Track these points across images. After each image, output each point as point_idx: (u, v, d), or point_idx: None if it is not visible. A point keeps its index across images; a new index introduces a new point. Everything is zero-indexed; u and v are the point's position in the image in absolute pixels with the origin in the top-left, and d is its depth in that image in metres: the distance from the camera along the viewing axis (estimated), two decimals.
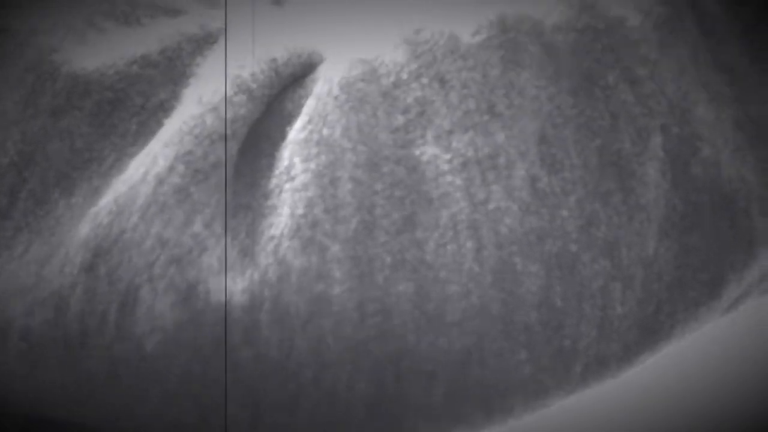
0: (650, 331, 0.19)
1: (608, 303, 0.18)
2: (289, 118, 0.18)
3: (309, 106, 0.18)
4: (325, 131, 0.17)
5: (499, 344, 0.17)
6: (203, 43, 0.19)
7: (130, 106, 0.18)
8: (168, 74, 0.19)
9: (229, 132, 0.17)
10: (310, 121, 0.18)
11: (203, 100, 0.18)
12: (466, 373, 0.17)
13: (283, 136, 0.18)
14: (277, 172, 0.17)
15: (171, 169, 0.17)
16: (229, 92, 0.18)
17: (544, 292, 0.17)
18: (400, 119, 0.17)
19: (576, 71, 0.18)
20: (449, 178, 0.17)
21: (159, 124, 0.18)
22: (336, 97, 0.18)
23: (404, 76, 0.18)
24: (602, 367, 0.18)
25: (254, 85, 0.18)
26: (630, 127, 0.18)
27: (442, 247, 0.17)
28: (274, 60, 0.19)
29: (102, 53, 0.19)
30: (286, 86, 0.19)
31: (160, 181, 0.17)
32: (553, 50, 0.18)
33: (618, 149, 0.17)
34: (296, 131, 0.18)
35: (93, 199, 0.17)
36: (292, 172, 0.17)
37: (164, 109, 0.18)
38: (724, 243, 0.19)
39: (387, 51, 0.18)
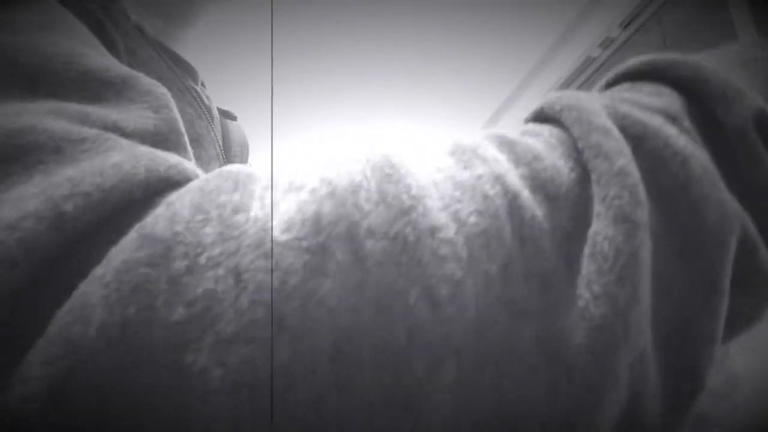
0: None
1: None
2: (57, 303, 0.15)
3: (76, 293, 0.15)
4: (77, 328, 0.14)
5: None
6: None
7: None
8: None
9: None
10: (69, 312, 0.15)
11: None
12: None
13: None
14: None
15: None
16: None
17: None
18: (181, 313, 0.15)
19: (380, 284, 0.16)
20: (215, 399, 0.14)
21: None
22: (107, 285, 0.15)
23: (202, 261, 0.15)
24: None
25: (17, 251, 0.15)
26: (425, 350, 0.16)
27: None
28: (60, 215, 0.16)
29: None
30: (72, 246, 0.16)
31: None
32: (361, 258, 0.16)
33: (411, 371, 0.15)
34: (53, 323, 0.15)
35: None
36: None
37: None
38: None
39: (195, 227, 0.16)
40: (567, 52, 2.06)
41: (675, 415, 0.19)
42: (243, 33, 1.83)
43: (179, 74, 0.41)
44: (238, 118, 0.54)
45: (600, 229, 0.18)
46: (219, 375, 0.14)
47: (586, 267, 0.18)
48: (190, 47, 0.49)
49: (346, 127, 2.44)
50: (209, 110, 0.43)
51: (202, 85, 0.51)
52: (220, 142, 0.42)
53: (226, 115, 0.51)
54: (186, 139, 0.24)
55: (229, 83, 2.05)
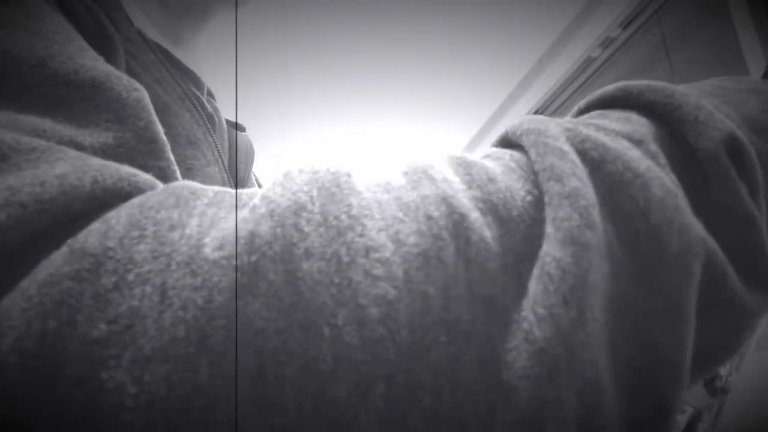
0: None
1: None
2: None
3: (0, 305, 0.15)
4: None
5: None
6: None
7: None
8: None
9: None
10: None
11: None
12: None
13: None
14: None
15: None
16: None
17: None
18: (102, 329, 0.14)
19: (311, 306, 0.15)
20: (128, 417, 0.14)
21: None
22: (29, 298, 0.15)
23: (130, 277, 0.15)
24: None
25: None
26: (352, 373, 0.15)
27: None
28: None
29: None
30: (5, 258, 0.15)
31: None
32: (294, 280, 0.15)
33: (335, 397, 0.15)
34: None
35: None
36: None
37: None
38: None
39: (129, 243, 0.16)
40: (567, 52, 2.06)
41: None
42: (246, 35, 1.84)
43: (180, 80, 0.41)
44: (244, 118, 0.55)
45: (549, 250, 0.17)
46: (133, 393, 0.14)
47: (534, 289, 0.17)
48: (199, 51, 0.49)
49: (346, 127, 2.44)
50: (210, 117, 0.43)
51: (209, 95, 0.51)
52: (220, 148, 0.42)
53: (234, 126, 0.52)
54: (164, 145, 0.24)
55: (232, 84, 2.05)
